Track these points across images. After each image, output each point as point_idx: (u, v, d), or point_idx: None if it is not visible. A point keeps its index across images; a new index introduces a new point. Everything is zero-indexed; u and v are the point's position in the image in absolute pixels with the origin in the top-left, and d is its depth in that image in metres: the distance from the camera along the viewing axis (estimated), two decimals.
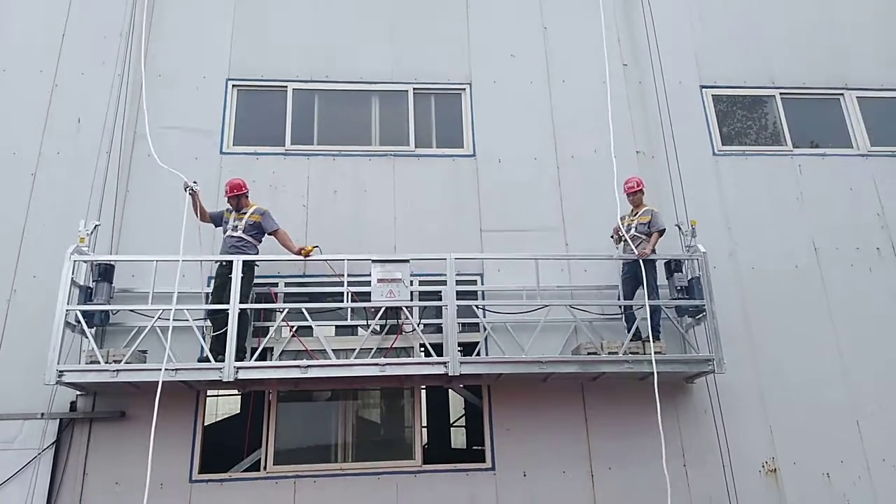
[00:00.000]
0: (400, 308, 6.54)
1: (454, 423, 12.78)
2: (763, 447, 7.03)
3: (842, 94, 8.84)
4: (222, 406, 10.81)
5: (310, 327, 6.46)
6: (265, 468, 6.62)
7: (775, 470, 6.93)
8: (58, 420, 6.35)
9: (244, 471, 6.69)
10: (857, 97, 8.83)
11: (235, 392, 11.57)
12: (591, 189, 7.83)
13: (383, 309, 6.51)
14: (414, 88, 8.36)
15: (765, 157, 8.38)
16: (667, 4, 8.95)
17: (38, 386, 6.30)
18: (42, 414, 6.32)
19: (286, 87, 8.18)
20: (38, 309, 6.57)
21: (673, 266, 7.06)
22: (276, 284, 7.13)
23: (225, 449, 7.34)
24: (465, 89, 8.43)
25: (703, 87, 8.67)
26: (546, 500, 6.70)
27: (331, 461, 6.91)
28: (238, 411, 12.25)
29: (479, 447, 7.40)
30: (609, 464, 6.85)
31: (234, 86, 8.12)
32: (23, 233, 7.09)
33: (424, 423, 8.28)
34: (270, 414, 6.86)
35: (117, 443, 6.44)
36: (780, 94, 8.76)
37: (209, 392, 7.00)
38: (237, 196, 6.77)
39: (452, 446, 12.06)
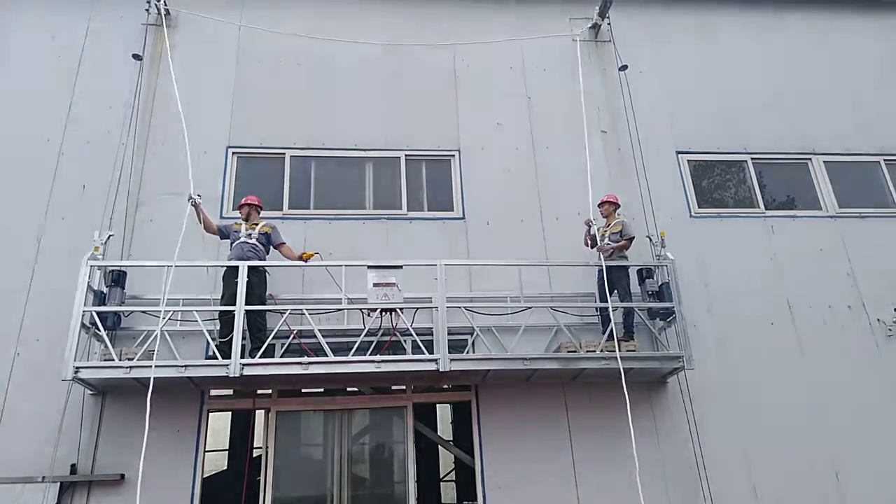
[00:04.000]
0: (394, 310, 6.94)
1: (444, 477, 12.86)
2: None
3: (809, 159, 9.38)
4: (209, 462, 10.86)
5: (311, 330, 6.87)
6: None
7: None
8: (58, 483, 6.45)
9: None
10: (825, 161, 9.37)
11: (223, 451, 11.61)
12: (575, 249, 8.13)
13: (378, 311, 6.93)
14: (406, 155, 8.78)
15: (739, 218, 8.83)
16: (643, 77, 9.51)
17: (39, 450, 6.60)
18: (43, 478, 6.43)
19: (284, 154, 8.58)
20: (40, 371, 6.82)
21: (645, 273, 7.76)
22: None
23: None
24: (454, 155, 8.87)
25: (678, 152, 9.17)
26: None
27: None
28: (224, 467, 12.30)
29: (470, 502, 7.56)
30: None
31: (234, 153, 8.50)
32: (27, 296, 7.31)
33: (416, 478, 8.43)
34: (268, 471, 7.01)
35: None
36: (752, 159, 9.29)
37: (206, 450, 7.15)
38: (256, 207, 7.53)
39: (442, 501, 12.13)
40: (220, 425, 12.41)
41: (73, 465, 6.59)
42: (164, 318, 6.58)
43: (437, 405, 12.39)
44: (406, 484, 7.23)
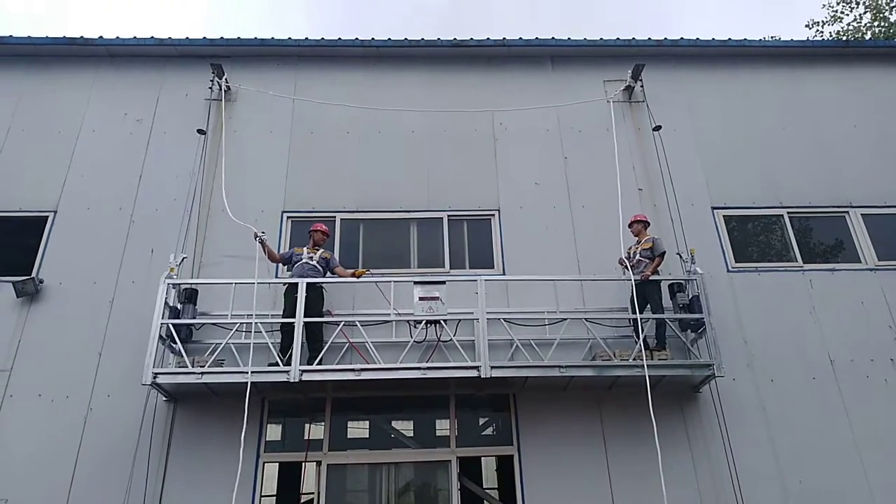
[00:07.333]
0: (438, 322, 7.49)
1: None
2: None
3: (847, 212, 9.47)
4: None
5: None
6: None
7: None
8: None
9: None
10: (862, 214, 9.43)
11: (271, 496, 11.94)
12: (613, 305, 8.41)
13: (424, 322, 7.47)
14: (448, 215, 9.24)
15: (776, 272, 8.94)
16: (677, 134, 9.82)
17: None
18: None
19: (335, 216, 9.13)
20: (114, 432, 7.48)
21: (676, 288, 8.22)
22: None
23: None
24: (494, 215, 9.28)
25: (714, 208, 9.37)
26: None
27: None
28: None
29: None
30: None
31: (288, 217, 9.10)
32: (99, 358, 7.92)
33: None
34: None
35: None
36: (788, 213, 9.41)
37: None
38: (325, 237, 8.41)
39: None
40: (267, 472, 12.81)
41: None
42: (232, 329, 7.49)
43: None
44: None
